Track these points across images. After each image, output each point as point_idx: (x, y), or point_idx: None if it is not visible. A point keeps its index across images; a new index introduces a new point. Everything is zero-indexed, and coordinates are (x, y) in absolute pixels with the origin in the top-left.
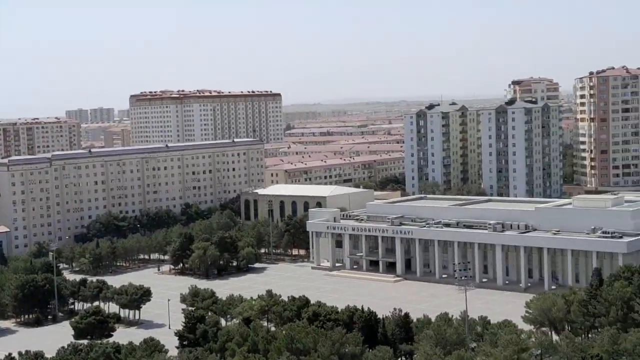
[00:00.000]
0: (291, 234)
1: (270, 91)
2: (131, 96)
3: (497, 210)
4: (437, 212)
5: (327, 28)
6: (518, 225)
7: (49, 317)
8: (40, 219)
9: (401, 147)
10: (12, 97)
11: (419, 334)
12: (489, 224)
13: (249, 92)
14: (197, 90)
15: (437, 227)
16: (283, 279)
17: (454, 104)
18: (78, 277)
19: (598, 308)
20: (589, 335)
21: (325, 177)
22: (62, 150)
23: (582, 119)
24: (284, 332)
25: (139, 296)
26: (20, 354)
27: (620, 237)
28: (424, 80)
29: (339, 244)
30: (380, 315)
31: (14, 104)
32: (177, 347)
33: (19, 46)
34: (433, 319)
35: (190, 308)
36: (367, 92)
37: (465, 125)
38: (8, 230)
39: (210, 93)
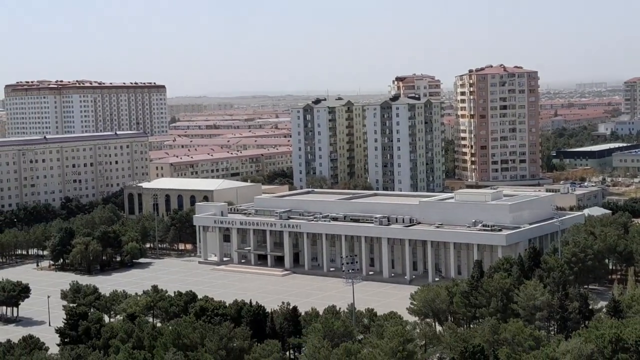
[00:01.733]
0: (177, 229)
1: (154, 83)
2: (6, 86)
3: (383, 204)
4: (324, 206)
5: (215, 19)
6: (403, 219)
7: None
8: None
9: (288, 141)
10: None
11: (307, 327)
12: (375, 218)
13: (131, 83)
14: (77, 81)
15: (324, 220)
16: (169, 274)
17: (340, 98)
18: None
19: (479, 299)
20: (471, 326)
21: (212, 171)
22: None
23: (463, 115)
24: (170, 327)
25: (17, 292)
26: None
27: (500, 230)
28: (310, 75)
29: (226, 238)
30: (268, 309)
31: None
32: (58, 345)
33: None
34: (321, 312)
35: (71, 305)
36: (253, 86)
37: (351, 120)
38: None
39: (91, 84)
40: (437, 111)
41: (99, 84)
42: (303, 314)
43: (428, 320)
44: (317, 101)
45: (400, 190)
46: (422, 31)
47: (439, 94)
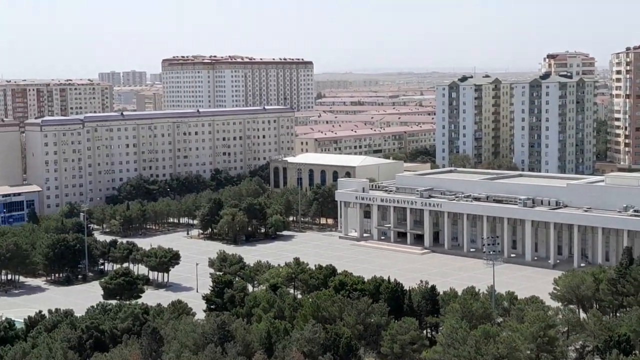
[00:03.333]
0: (319, 203)
1: (302, 59)
2: (163, 60)
3: (528, 186)
4: (467, 185)
5: None
6: (549, 201)
7: (79, 276)
8: (72, 180)
9: (432, 119)
10: (46, 57)
11: (445, 307)
12: (519, 199)
13: (280, 59)
14: (229, 56)
15: (466, 200)
16: (310, 248)
17: (487, 76)
18: (108, 238)
19: (627, 287)
20: (617, 315)
21: (355, 147)
22: (95, 112)
23: (618, 95)
24: (310, 299)
25: (168, 259)
26: (50, 311)
27: None
28: (457, 52)
29: (367, 214)
30: (406, 287)
31: (49, 65)
32: (205, 311)
33: (49, 7)
34: (460, 293)
35: (218, 273)
36: (399, 63)
37: (498, 99)
38: (40, 189)
39: (242, 59)
40: (590, 90)
41: (250, 59)
42: (441, 293)
43: (571, 306)
44: (464, 79)
45: (547, 172)
46: (576, 7)
47: (592, 72)
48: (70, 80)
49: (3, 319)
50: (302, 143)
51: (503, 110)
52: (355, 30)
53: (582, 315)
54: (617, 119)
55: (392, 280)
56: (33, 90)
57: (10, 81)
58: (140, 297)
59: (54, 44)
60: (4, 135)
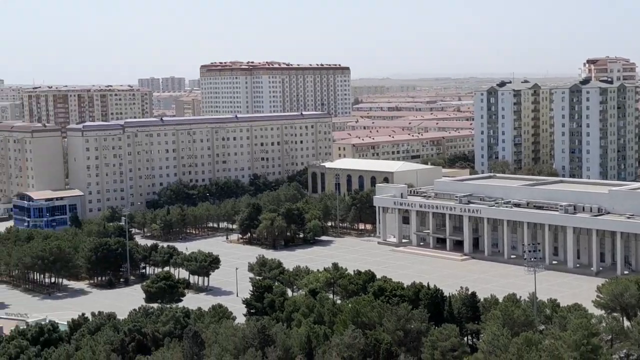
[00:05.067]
0: (358, 209)
1: (339, 64)
2: (202, 66)
3: (569, 192)
4: (506, 191)
5: (400, 2)
6: (590, 208)
7: (121, 279)
8: (113, 184)
9: (471, 124)
10: (85, 63)
11: (486, 313)
12: (561, 206)
13: (317, 65)
14: (267, 62)
15: (506, 206)
16: (349, 253)
17: (526, 81)
18: (149, 242)
19: None
20: None
21: (393, 153)
22: (135, 117)
23: None
24: (349, 305)
25: (208, 263)
26: (93, 314)
27: None
28: (495, 58)
29: (405, 220)
30: (446, 293)
31: (87, 71)
32: (245, 315)
33: (88, 12)
34: (500, 300)
35: (257, 277)
36: (436, 68)
37: (537, 104)
38: (82, 194)
39: (280, 65)
40: (632, 96)
41: (287, 65)
42: (482, 300)
43: (615, 314)
44: (502, 84)
45: (589, 178)
46: (615, 12)
47: (633, 77)
48: (110, 86)
49: (47, 321)
50: (339, 148)
51: (543, 116)
52: (392, 35)
53: (626, 323)
54: None
55: (431, 286)
56: (74, 96)
57: (51, 87)
58: (181, 300)
59: (95, 50)
60: (46, 140)
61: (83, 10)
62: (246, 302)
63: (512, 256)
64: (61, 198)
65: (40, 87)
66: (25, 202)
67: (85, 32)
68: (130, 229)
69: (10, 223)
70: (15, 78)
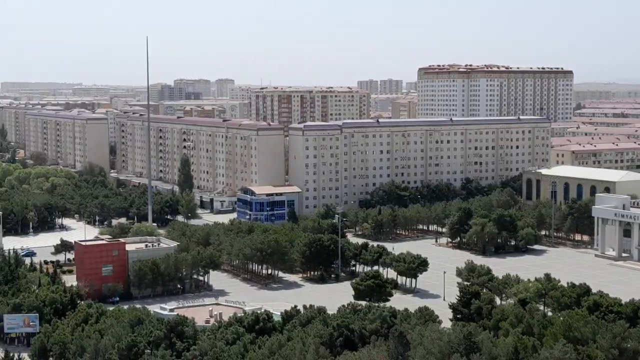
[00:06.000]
0: (574, 218)
1: (562, 68)
2: (419, 69)
3: None
4: None
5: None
6: None
7: (332, 275)
8: (329, 183)
9: None
10: (308, 64)
11: None
12: None
13: (538, 68)
14: (485, 65)
15: None
16: (562, 264)
17: None
18: (360, 241)
19: None
20: None
21: (616, 162)
22: (352, 118)
23: None
24: (561, 318)
25: (416, 265)
26: (305, 307)
27: None
28: None
29: (627, 233)
30: None
31: (310, 72)
32: (451, 320)
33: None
34: None
35: (465, 283)
36: None
37: None
38: (300, 191)
39: (499, 68)
40: None
41: (506, 68)
42: None
43: None
44: None
45: None
46: None
47: None
48: (331, 87)
49: (262, 310)
50: (557, 155)
51: None
52: (618, 37)
53: None
54: None
55: None
56: (297, 96)
57: (277, 88)
58: (388, 300)
59: (317, 52)
60: (269, 138)
61: (312, 15)
62: (453, 307)
63: None
64: (280, 194)
65: (266, 87)
66: (248, 196)
67: (310, 39)
68: (343, 227)
69: (234, 215)
70: (245, 78)
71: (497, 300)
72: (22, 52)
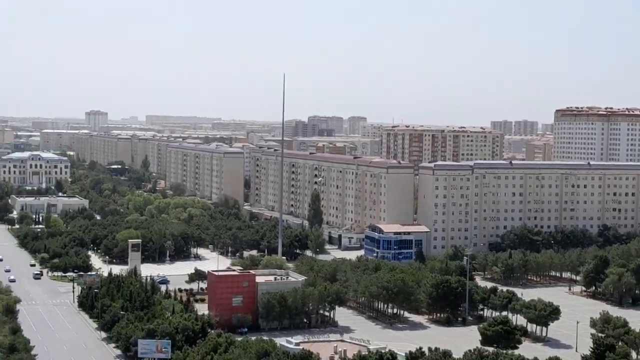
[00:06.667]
0: None
1: None
2: (556, 111)
3: None
4: None
5: None
6: None
7: (459, 318)
8: (458, 224)
9: None
10: (440, 104)
11: None
12: None
13: None
14: (627, 109)
15: None
16: None
17: None
18: (489, 285)
19: None
20: None
21: None
22: (484, 159)
23: None
24: None
25: (548, 313)
26: (430, 349)
27: None
28: None
29: None
30: None
31: (442, 112)
32: None
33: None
34: None
35: (599, 334)
36: None
37: None
38: (428, 230)
39: None
40: None
41: None
42: None
43: None
44: None
45: None
46: None
47: None
48: (463, 127)
49: (387, 350)
50: None
51: None
52: None
53: None
54: None
55: None
56: (429, 135)
57: (408, 126)
58: (517, 347)
59: (449, 92)
60: (399, 176)
61: (442, 56)
62: (585, 359)
63: None
64: (408, 233)
65: (398, 125)
66: (376, 233)
67: (442, 79)
68: (472, 270)
69: (361, 252)
70: (377, 116)
71: (633, 355)
72: (165, 86)
